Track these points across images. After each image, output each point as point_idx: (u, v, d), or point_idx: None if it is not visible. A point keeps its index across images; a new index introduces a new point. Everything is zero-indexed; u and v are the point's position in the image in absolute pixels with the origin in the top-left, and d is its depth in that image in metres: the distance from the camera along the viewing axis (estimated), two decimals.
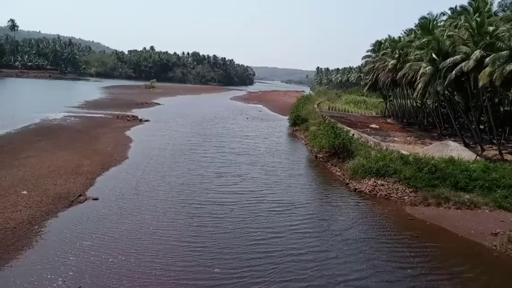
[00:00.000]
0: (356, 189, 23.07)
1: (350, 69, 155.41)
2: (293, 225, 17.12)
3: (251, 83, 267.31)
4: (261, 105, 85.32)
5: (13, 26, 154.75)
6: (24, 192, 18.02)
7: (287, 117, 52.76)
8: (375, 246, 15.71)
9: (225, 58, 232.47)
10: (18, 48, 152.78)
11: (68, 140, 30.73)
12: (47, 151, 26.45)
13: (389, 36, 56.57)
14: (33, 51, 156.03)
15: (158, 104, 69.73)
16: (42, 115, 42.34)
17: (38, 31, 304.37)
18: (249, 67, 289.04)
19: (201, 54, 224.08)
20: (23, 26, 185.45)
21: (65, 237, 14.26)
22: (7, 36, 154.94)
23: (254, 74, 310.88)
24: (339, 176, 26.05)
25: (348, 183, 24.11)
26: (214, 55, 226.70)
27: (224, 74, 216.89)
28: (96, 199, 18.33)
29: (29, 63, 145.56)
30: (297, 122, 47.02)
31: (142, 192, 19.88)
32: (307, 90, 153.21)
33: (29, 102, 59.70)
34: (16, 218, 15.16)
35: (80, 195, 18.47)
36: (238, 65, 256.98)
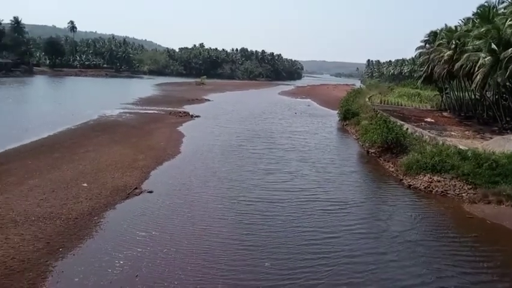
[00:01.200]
0: (410, 185, 22.26)
1: (402, 62, 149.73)
2: (348, 226, 16.48)
3: (299, 77, 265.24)
4: (309, 100, 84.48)
5: (72, 27, 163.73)
6: (85, 184, 19.02)
7: (337, 111, 51.83)
8: (436, 249, 14.85)
9: (273, 53, 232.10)
10: (77, 48, 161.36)
11: (123, 136, 32.05)
12: (104, 146, 27.75)
13: (445, 25, 53.75)
14: (91, 51, 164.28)
15: (208, 100, 71.01)
16: (100, 112, 44.45)
17: (94, 31, 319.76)
18: (297, 61, 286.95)
19: (249, 50, 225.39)
20: (81, 27, 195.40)
21: (122, 228, 14.91)
22: (67, 37, 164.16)
23: (302, 68, 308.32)
24: (393, 172, 25.24)
25: (402, 180, 23.30)
26: (263, 50, 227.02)
27: (272, 69, 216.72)
28: (151, 192, 18.98)
29: (87, 63, 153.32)
30: (347, 116, 46.04)
31: (193, 187, 20.29)
32: (357, 84, 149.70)
33: (87, 99, 62.97)
34: (78, 209, 16.04)
35: (136, 188, 19.21)
36: (286, 59, 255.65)
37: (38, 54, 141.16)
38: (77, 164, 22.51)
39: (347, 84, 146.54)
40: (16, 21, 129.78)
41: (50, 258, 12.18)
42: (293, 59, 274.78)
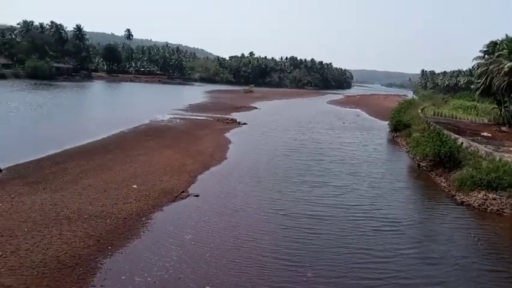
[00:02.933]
0: (463, 202, 21.13)
1: (458, 73, 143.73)
2: (401, 248, 15.22)
3: (349, 86, 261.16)
4: (359, 110, 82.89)
5: (129, 35, 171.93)
6: (135, 186, 19.68)
7: (387, 122, 50.43)
8: (496, 275, 13.66)
9: (322, 62, 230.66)
10: (133, 55, 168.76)
11: (173, 140, 32.94)
12: (155, 150, 28.64)
13: (506, 36, 50.90)
14: (145, 58, 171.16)
15: (256, 108, 71.53)
16: (152, 116, 45.98)
17: (149, 39, 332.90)
18: (347, 70, 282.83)
19: (298, 58, 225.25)
20: (137, 34, 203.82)
21: (169, 229, 15.26)
22: (124, 44, 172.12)
23: (352, 77, 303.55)
24: (445, 187, 24.08)
25: (454, 196, 22.17)
26: (312, 59, 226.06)
27: (321, 78, 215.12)
28: (197, 196, 19.32)
29: (142, 69, 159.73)
30: (398, 127, 44.61)
31: (238, 195, 20.26)
32: (410, 95, 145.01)
33: (140, 104, 65.51)
34: (127, 209, 16.61)
35: (183, 192, 19.63)
36: (336, 68, 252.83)
37: (96, 60, 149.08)
38: (128, 166, 23.37)
39: (398, 95, 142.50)
40: (78, 29, 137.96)
41: (100, 255, 12.67)
42: (343, 68, 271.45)
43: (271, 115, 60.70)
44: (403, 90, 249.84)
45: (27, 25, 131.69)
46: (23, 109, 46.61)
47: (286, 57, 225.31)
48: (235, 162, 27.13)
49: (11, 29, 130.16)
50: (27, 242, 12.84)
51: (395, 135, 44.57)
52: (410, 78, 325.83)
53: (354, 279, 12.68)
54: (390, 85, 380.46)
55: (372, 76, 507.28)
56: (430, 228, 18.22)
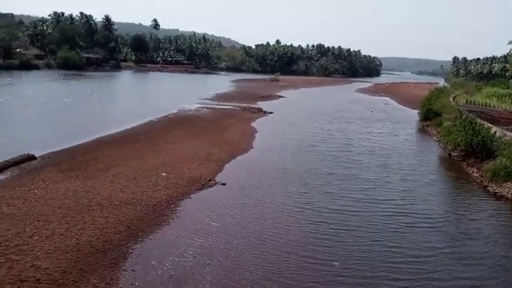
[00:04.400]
0: (496, 193, 20.45)
1: (492, 59, 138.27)
2: (437, 247, 14.31)
3: (377, 74, 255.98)
4: (388, 98, 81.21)
5: (156, 25, 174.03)
6: (164, 174, 20.04)
7: (417, 111, 49.26)
8: None
9: (349, 49, 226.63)
10: (160, 45, 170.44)
11: (200, 129, 33.27)
12: (182, 138, 29.04)
13: None
14: (172, 48, 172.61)
15: (282, 96, 71.16)
16: (179, 106, 46.54)
17: (176, 29, 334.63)
18: (376, 58, 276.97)
19: (325, 46, 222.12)
20: (164, 24, 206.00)
21: (197, 217, 15.51)
22: (151, 34, 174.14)
23: (381, 65, 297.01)
24: (476, 177, 23.38)
25: (486, 186, 21.50)
26: (339, 46, 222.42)
27: (348, 66, 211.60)
28: (224, 184, 19.51)
29: (169, 59, 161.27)
30: (429, 116, 43.49)
31: (264, 184, 20.14)
32: (441, 82, 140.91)
33: (168, 94, 66.36)
34: (156, 197, 16.96)
35: (210, 180, 19.85)
36: (365, 55, 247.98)
37: (125, 50, 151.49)
38: (157, 154, 23.80)
39: (429, 83, 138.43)
40: (107, 20, 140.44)
41: (130, 241, 13.02)
42: (371, 56, 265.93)
43: (297, 104, 60.29)
44: (434, 77, 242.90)
45: (57, 16, 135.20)
46: (55, 99, 48.06)
47: (313, 45, 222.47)
48: (261, 152, 27.16)
49: (43, 20, 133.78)
50: (62, 227, 13.33)
51: (426, 124, 43.50)
52: (441, 66, 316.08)
53: (385, 279, 12.02)
54: (420, 73, 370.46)
55: (402, 63, 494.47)
56: (467, 224, 17.12)
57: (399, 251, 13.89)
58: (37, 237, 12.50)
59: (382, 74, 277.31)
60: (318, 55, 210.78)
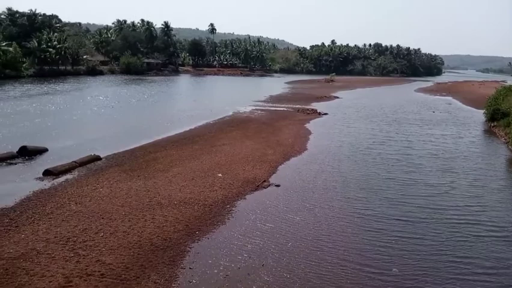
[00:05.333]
0: None
1: None
2: (510, 259, 13.15)
3: (439, 73, 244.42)
4: (450, 98, 77.27)
5: (212, 29, 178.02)
6: (220, 175, 20.44)
7: (483, 111, 46.36)
8: None
9: (409, 48, 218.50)
10: (216, 49, 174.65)
11: (254, 131, 33.56)
12: (237, 140, 29.45)
13: None
14: (228, 51, 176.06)
15: (337, 97, 70.01)
16: (234, 108, 47.35)
17: (232, 33, 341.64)
18: (437, 56, 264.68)
19: (383, 45, 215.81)
20: (220, 29, 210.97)
21: (251, 217, 15.63)
22: (208, 38, 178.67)
23: (443, 63, 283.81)
24: None
25: None
26: (398, 45, 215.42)
27: (408, 65, 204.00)
28: (278, 186, 19.51)
29: (225, 62, 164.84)
30: (496, 116, 40.72)
31: (319, 188, 19.68)
32: (510, 81, 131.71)
33: (223, 97, 67.70)
34: (213, 197, 17.32)
35: (264, 181, 19.94)
36: (425, 54, 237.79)
37: (183, 55, 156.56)
38: (213, 155, 24.33)
39: (496, 81, 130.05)
40: (166, 26, 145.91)
41: (188, 239, 13.38)
42: (432, 54, 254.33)
43: (353, 105, 58.98)
44: (501, 75, 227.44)
45: (120, 24, 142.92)
46: (119, 102, 50.74)
47: (370, 44, 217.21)
48: (316, 154, 26.84)
49: (107, 28, 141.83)
50: (125, 225, 14.00)
51: (492, 125, 40.81)
52: (510, 63, 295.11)
53: None
54: (486, 70, 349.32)
55: (466, 61, 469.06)
56: None
57: (467, 261, 12.93)
58: (102, 234, 13.22)
59: (444, 72, 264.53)
60: (376, 54, 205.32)
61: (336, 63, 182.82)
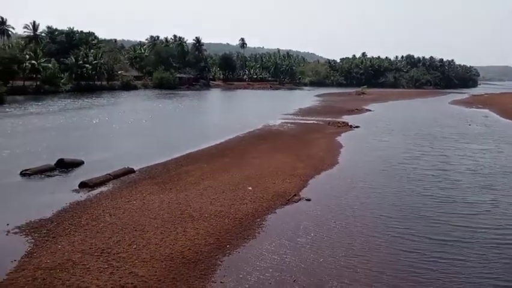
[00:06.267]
0: None
1: None
2: None
3: (474, 85, 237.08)
4: (487, 110, 74.70)
5: (243, 44, 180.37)
6: (250, 188, 20.42)
7: None
8: None
9: (442, 59, 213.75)
10: (246, 63, 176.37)
11: (285, 144, 33.47)
12: (267, 153, 29.42)
13: None
14: (258, 65, 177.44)
15: (369, 110, 69.04)
16: (264, 121, 47.42)
17: (262, 47, 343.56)
18: (472, 67, 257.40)
19: (415, 56, 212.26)
20: (250, 43, 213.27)
21: (282, 231, 15.47)
22: (238, 53, 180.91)
23: (478, 75, 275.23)
24: None
25: None
26: (431, 56, 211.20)
27: (441, 76, 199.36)
28: (309, 200, 19.28)
29: (254, 76, 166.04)
30: None
31: (351, 203, 19.18)
32: None
33: (253, 110, 68.08)
34: (243, 210, 17.29)
35: (295, 195, 19.76)
36: (459, 65, 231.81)
37: (213, 69, 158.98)
38: (243, 168, 24.37)
39: None
40: (197, 41, 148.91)
41: (219, 253, 13.36)
42: (468, 65, 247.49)
43: (386, 118, 57.95)
44: None
45: (153, 40, 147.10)
46: (152, 116, 51.91)
47: (402, 56, 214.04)
48: (347, 168, 26.41)
49: (141, 44, 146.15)
50: (157, 237, 14.15)
51: None
52: None
53: None
54: None
55: (503, 72, 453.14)
56: None
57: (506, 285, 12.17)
58: (135, 246, 13.40)
59: (479, 84, 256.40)
60: (408, 66, 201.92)
61: (367, 75, 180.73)
